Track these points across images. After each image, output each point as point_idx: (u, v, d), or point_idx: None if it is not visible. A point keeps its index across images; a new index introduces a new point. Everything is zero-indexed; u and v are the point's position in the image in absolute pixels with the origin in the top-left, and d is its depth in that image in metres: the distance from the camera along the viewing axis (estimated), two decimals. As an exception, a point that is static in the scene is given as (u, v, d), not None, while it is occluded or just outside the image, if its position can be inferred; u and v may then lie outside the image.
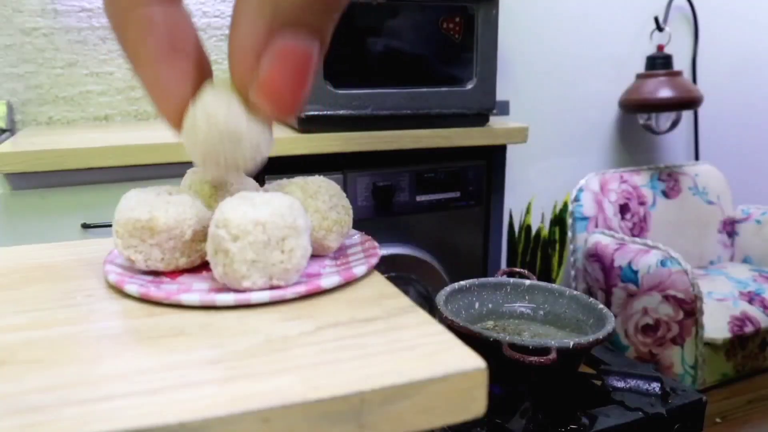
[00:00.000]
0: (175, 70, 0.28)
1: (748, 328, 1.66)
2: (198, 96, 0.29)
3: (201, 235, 0.38)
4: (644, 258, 1.65)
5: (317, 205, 0.40)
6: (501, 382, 0.86)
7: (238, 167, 0.32)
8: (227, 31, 1.55)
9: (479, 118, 1.35)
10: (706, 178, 2.07)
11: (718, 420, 1.58)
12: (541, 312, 0.97)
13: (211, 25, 1.54)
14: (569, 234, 1.89)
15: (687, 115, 2.18)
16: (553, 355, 0.77)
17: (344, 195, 0.43)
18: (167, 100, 0.29)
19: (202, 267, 0.40)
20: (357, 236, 0.46)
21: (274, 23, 0.24)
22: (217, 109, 0.29)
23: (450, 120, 1.31)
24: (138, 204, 0.36)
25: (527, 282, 1.01)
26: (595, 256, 1.78)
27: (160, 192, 0.38)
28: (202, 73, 0.29)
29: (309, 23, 0.24)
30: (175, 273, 0.38)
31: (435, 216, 1.37)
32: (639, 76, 1.97)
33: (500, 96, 1.73)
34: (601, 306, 0.92)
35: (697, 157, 2.24)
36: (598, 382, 0.88)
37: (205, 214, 0.39)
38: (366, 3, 1.23)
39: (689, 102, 1.90)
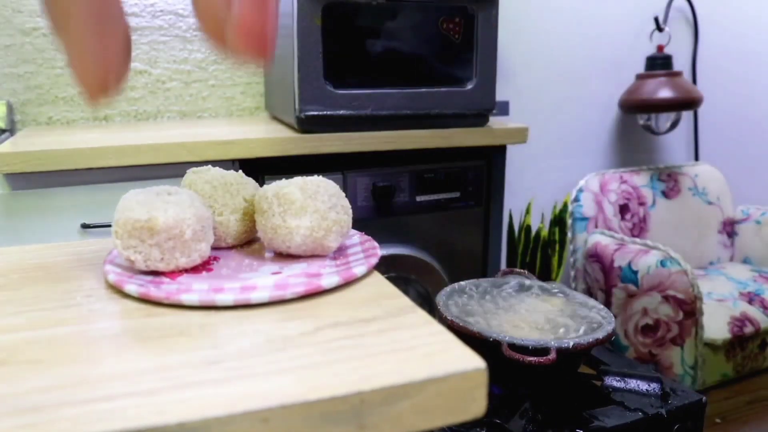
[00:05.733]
0: (105, 38, 0.28)
1: (748, 329, 1.66)
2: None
3: (200, 235, 0.38)
4: (644, 258, 1.65)
5: (316, 205, 0.40)
6: (501, 383, 0.86)
7: None
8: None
9: (479, 119, 1.35)
10: (705, 179, 2.07)
11: (717, 420, 1.58)
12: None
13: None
14: (569, 234, 1.89)
15: (687, 116, 2.18)
16: (552, 356, 0.77)
17: (344, 195, 0.43)
18: (93, 67, 0.29)
19: (201, 267, 0.40)
20: (357, 236, 0.46)
21: None
22: None
23: (450, 120, 1.31)
24: (137, 204, 0.36)
25: (527, 282, 1.01)
26: (594, 256, 1.78)
27: (159, 192, 0.38)
28: (128, 45, 0.30)
29: None
30: (174, 273, 0.38)
31: (435, 216, 1.37)
32: (639, 77, 1.97)
33: (500, 96, 1.73)
34: (601, 306, 0.92)
35: (696, 158, 2.24)
36: (598, 383, 0.88)
37: (204, 213, 0.39)
38: (366, 3, 1.23)
39: (689, 102, 1.90)
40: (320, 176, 0.43)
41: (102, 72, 0.29)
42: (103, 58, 0.28)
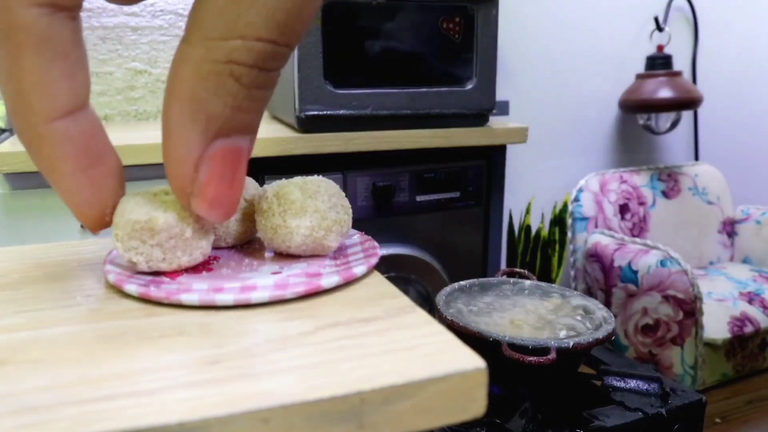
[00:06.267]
0: (96, 179, 0.28)
1: (748, 329, 1.66)
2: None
3: (201, 233, 0.38)
4: (644, 258, 1.65)
5: (317, 205, 0.40)
6: (500, 382, 0.86)
7: None
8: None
9: (479, 118, 1.35)
10: (705, 179, 2.07)
11: (717, 420, 1.58)
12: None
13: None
14: (569, 234, 1.89)
15: (687, 116, 2.18)
16: (552, 355, 0.77)
17: (344, 195, 0.43)
18: (89, 209, 0.29)
19: (202, 267, 0.40)
20: (357, 236, 0.46)
21: (208, 130, 0.24)
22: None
23: (450, 120, 1.31)
24: (136, 206, 0.36)
25: (527, 282, 1.01)
26: (594, 256, 1.78)
27: (157, 192, 0.38)
28: (119, 173, 0.30)
29: (243, 124, 0.24)
30: (175, 273, 0.38)
31: (435, 216, 1.37)
32: (639, 77, 1.97)
33: (500, 96, 1.73)
34: (601, 306, 0.92)
35: (696, 158, 2.24)
36: (598, 383, 0.88)
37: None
38: (366, 3, 1.23)
39: (689, 102, 1.91)
40: (320, 176, 0.43)
41: (98, 211, 0.29)
42: (98, 200, 0.28)
